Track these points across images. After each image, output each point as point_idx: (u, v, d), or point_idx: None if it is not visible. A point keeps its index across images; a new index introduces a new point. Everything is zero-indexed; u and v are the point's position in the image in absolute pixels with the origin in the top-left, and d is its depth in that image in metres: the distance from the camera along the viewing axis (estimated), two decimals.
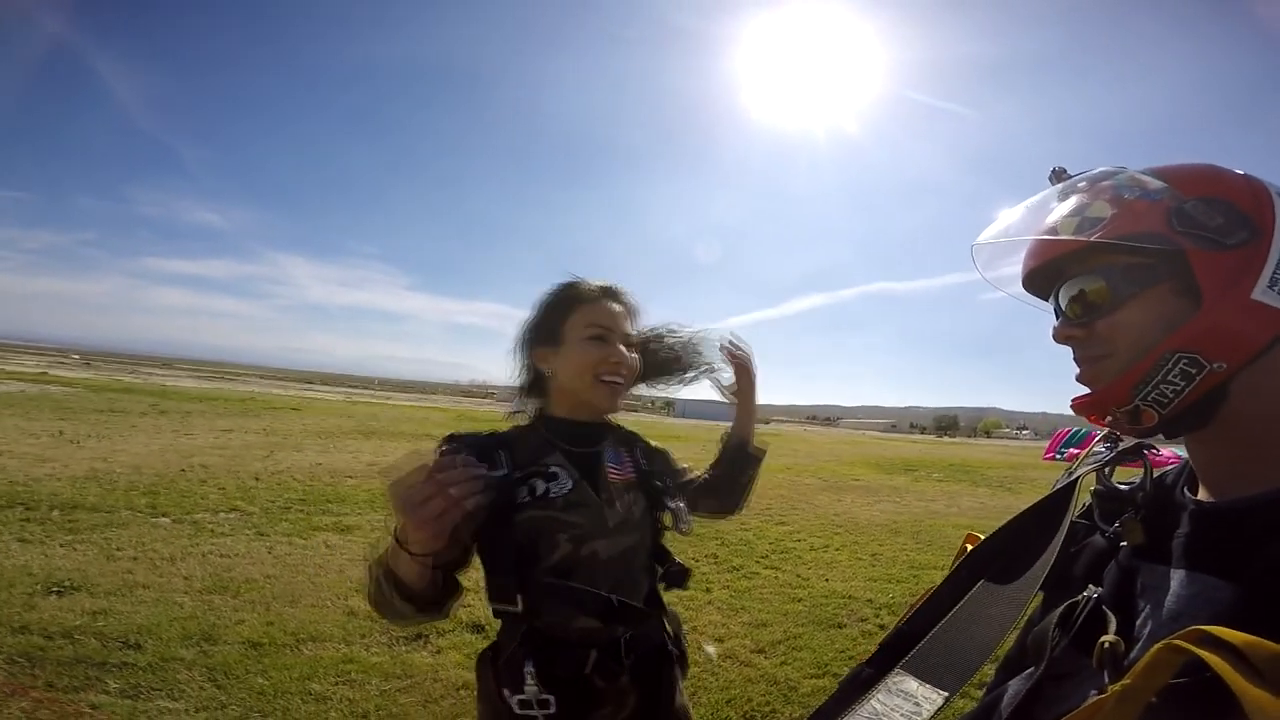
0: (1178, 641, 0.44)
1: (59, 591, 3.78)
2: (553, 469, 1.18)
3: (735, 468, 1.47)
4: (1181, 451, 0.71)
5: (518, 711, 1.09)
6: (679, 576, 1.29)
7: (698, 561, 5.70)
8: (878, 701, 0.65)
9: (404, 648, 3.49)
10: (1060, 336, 0.68)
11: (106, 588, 3.91)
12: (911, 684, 0.65)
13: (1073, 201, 0.65)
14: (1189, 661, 0.43)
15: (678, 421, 49.31)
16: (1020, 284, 0.74)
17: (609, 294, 1.27)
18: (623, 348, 1.23)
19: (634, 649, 1.18)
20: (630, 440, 1.36)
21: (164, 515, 5.78)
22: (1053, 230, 0.65)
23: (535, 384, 1.29)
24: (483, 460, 1.03)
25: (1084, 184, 0.67)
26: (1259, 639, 0.41)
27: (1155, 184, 0.62)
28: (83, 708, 2.59)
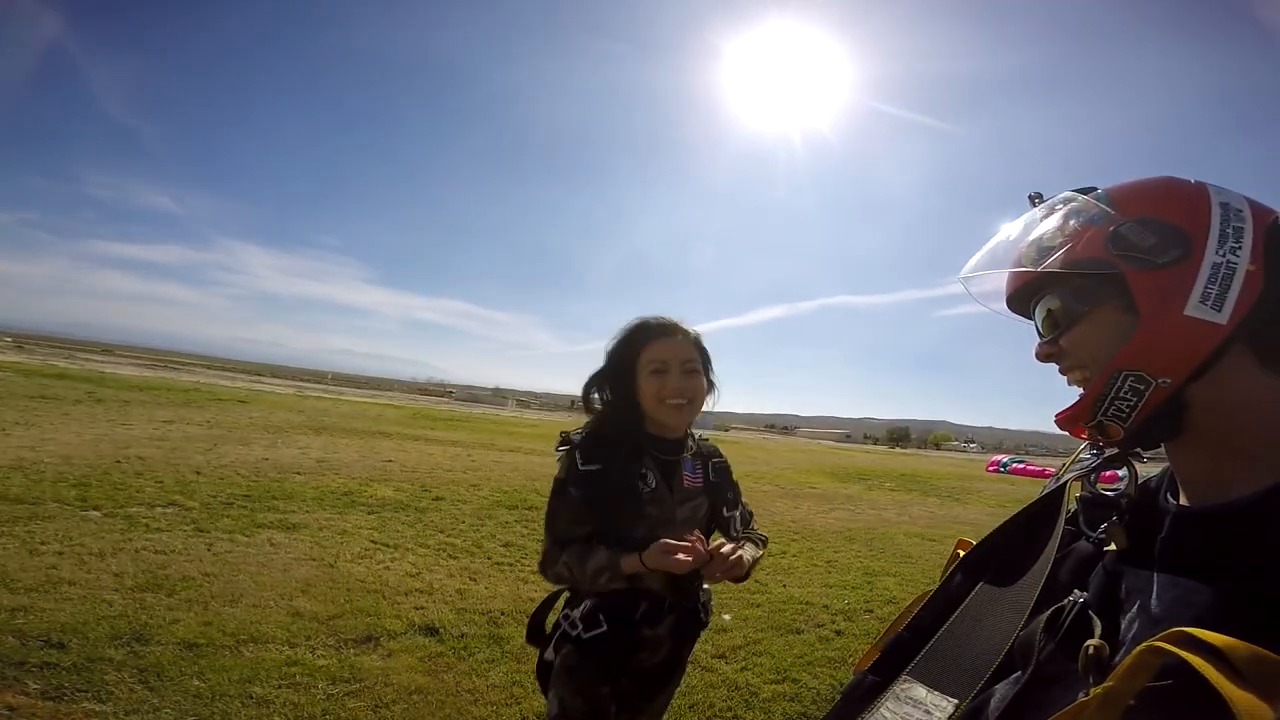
0: (1159, 643, 0.45)
1: None
2: (644, 471, 1.53)
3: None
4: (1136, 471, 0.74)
5: (565, 629, 1.53)
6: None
7: None
8: (887, 710, 0.64)
9: (352, 650, 3.36)
10: (1040, 354, 0.71)
11: (28, 584, 3.65)
12: (920, 691, 0.64)
13: (1039, 229, 0.69)
14: (1169, 663, 0.44)
15: None
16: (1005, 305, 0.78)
17: (665, 331, 1.57)
18: (679, 376, 1.53)
19: (674, 609, 1.57)
20: (707, 455, 1.70)
21: (95, 508, 5.46)
22: (1017, 261, 0.69)
23: (627, 404, 1.57)
24: (591, 459, 1.50)
25: (1060, 206, 0.69)
26: (1238, 640, 0.42)
27: (1100, 208, 0.65)
28: None
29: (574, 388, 1.71)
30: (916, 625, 0.76)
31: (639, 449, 1.56)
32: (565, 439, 1.56)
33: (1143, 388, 0.60)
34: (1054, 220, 0.67)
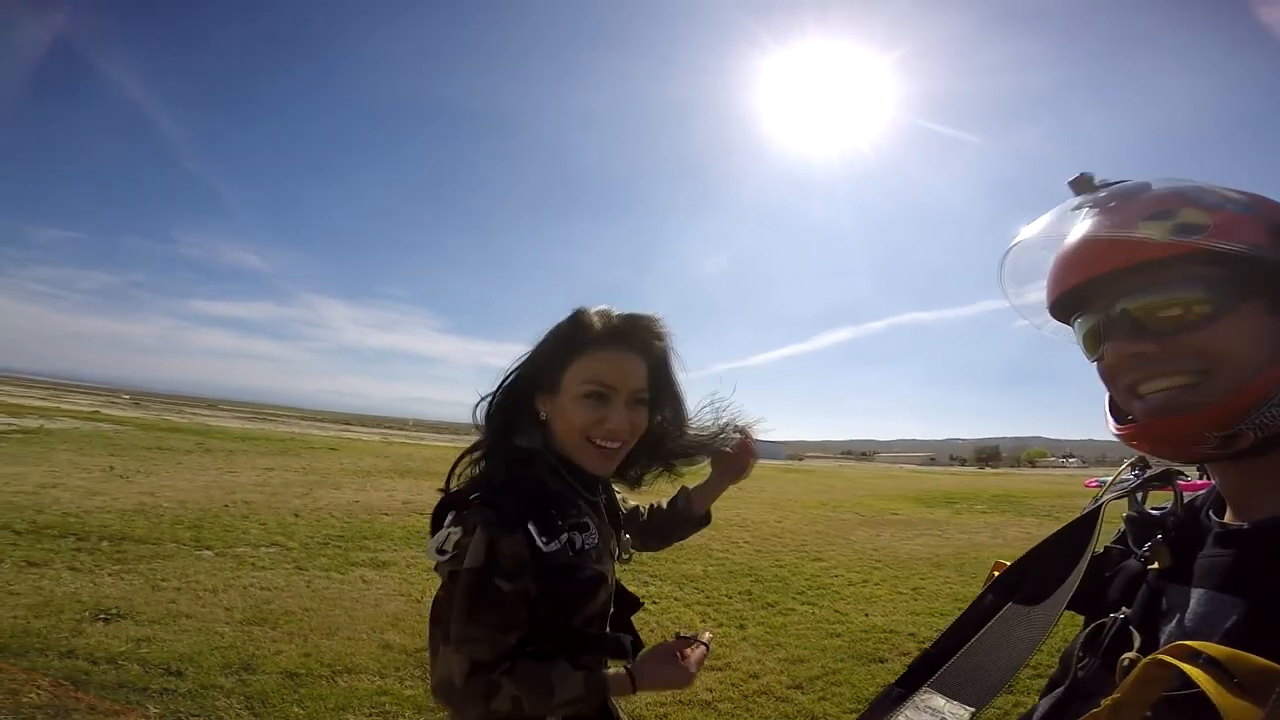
0: (1162, 656, 0.46)
1: (105, 618, 3.89)
2: (583, 520, 1.09)
3: (679, 525, 1.39)
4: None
5: None
6: (637, 605, 1.25)
7: (731, 598, 5.59)
8: (905, 717, 0.68)
9: None
10: (1128, 352, 0.62)
11: (151, 616, 4.00)
12: (938, 701, 0.68)
13: (1132, 209, 0.60)
14: (1182, 675, 0.45)
15: None
16: (1049, 300, 0.68)
17: (620, 338, 1.11)
18: (623, 410, 1.09)
19: None
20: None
21: (207, 548, 5.92)
22: (1132, 233, 0.59)
23: (519, 421, 1.16)
24: (549, 531, 1.02)
25: (1113, 196, 0.62)
26: (1241, 652, 0.43)
27: (1240, 197, 0.59)
28: None
29: None
30: (945, 642, 0.78)
31: (569, 490, 1.12)
32: (477, 502, 1.03)
33: None
34: (1184, 199, 0.59)
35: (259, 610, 4.33)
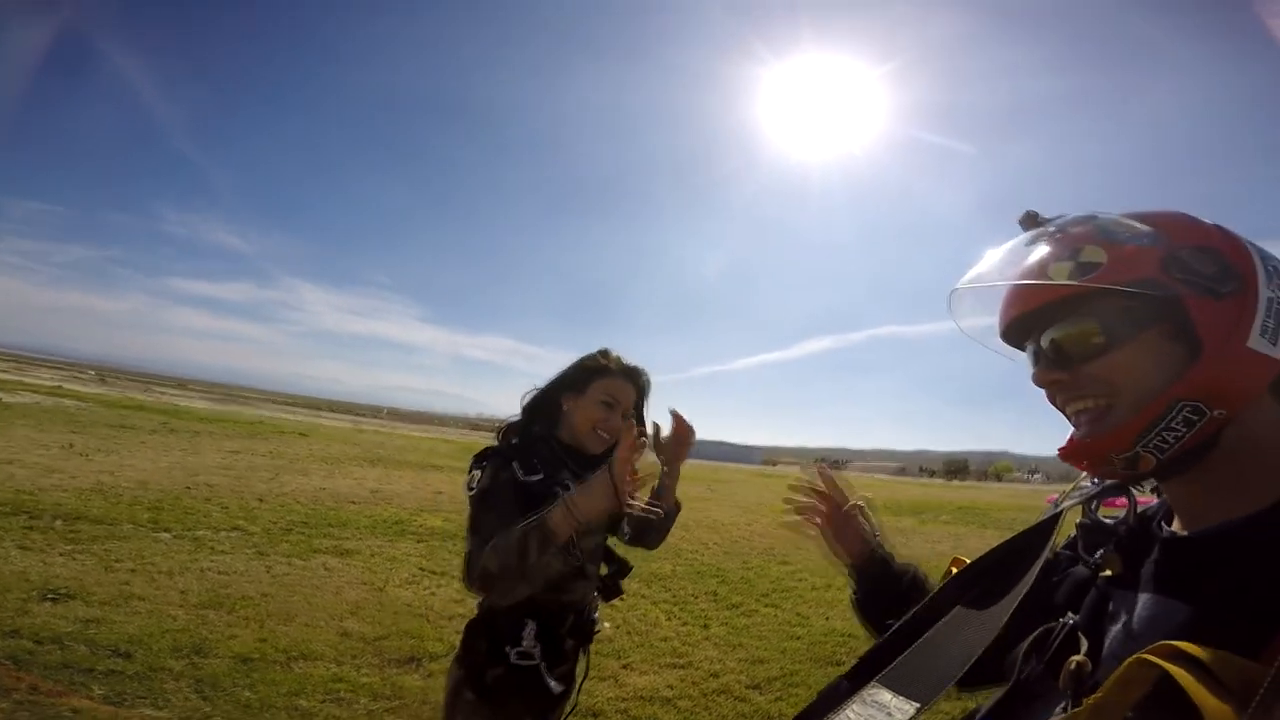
0: (1147, 656, 0.47)
1: (54, 598, 3.78)
2: (566, 481, 1.53)
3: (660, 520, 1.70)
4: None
5: (514, 661, 1.50)
6: (627, 569, 1.77)
7: (696, 598, 5.62)
8: (852, 711, 0.68)
9: (395, 670, 3.46)
10: (1044, 380, 0.68)
11: (102, 597, 3.91)
12: (885, 695, 0.68)
13: (1055, 247, 0.65)
14: (1164, 676, 0.45)
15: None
16: (997, 332, 0.74)
17: (628, 374, 1.67)
18: (619, 416, 1.63)
19: (587, 617, 1.64)
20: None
21: (166, 530, 5.79)
22: (1044, 275, 0.64)
23: (549, 410, 1.67)
24: (527, 469, 1.51)
25: (1055, 230, 0.67)
26: (1225, 654, 0.44)
27: (1145, 229, 0.62)
28: (64, 711, 2.58)
29: None
30: (895, 638, 0.79)
31: (559, 459, 1.60)
32: (492, 451, 1.59)
33: (1196, 419, 0.58)
34: (1080, 238, 0.64)
35: (215, 594, 4.25)
